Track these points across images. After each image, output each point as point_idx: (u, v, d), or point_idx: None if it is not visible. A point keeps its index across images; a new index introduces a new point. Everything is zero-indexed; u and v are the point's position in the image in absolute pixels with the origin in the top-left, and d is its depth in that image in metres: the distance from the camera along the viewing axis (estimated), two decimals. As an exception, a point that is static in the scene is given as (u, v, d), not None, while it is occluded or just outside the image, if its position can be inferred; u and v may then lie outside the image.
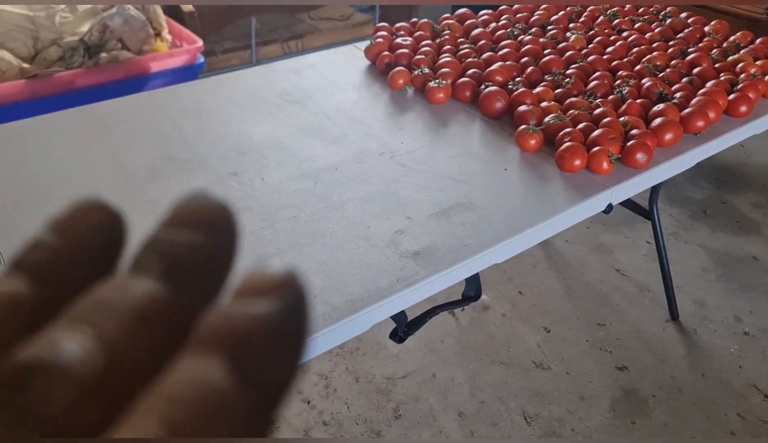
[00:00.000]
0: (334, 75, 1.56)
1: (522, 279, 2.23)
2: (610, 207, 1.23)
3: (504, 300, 2.14)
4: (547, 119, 1.33)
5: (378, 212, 1.10)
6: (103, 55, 2.17)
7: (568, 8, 1.94)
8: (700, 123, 1.37)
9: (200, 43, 2.39)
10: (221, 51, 3.22)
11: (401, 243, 1.03)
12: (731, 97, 1.48)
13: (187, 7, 2.64)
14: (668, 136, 1.32)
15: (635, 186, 1.26)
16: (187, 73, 2.40)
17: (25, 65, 2.09)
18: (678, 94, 1.46)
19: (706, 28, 1.85)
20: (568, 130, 1.28)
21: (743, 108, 1.47)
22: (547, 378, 1.87)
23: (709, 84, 1.51)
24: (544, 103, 1.40)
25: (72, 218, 0.17)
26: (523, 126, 1.30)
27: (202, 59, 2.41)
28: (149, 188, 1.13)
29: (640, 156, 1.24)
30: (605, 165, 1.22)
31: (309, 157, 1.25)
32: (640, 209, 1.99)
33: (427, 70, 1.49)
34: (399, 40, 1.64)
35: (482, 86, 1.45)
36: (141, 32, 2.28)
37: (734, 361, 1.94)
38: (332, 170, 1.21)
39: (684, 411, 1.79)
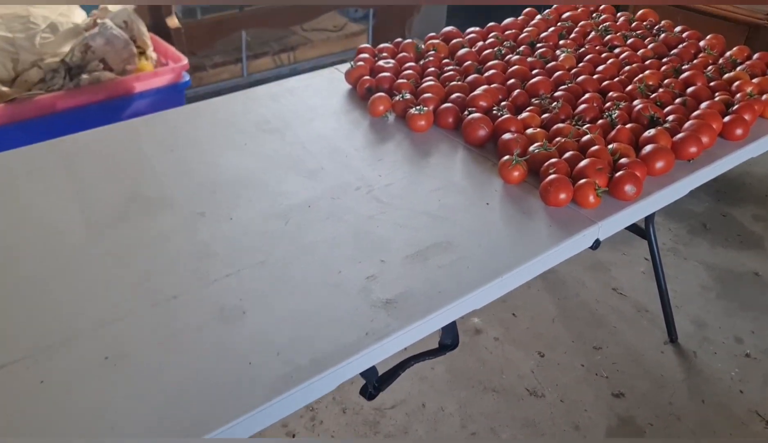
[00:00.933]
0: (314, 100, 1.51)
1: (516, 300, 2.17)
2: (597, 243, 1.17)
3: (497, 323, 2.08)
4: (531, 148, 1.27)
5: (351, 254, 1.05)
6: (85, 76, 2.13)
7: (559, 24, 1.88)
8: (693, 149, 1.31)
9: (185, 61, 2.34)
10: (211, 65, 3.18)
11: (373, 290, 0.98)
12: (726, 119, 1.42)
13: (174, 24, 2.60)
14: (659, 164, 1.26)
15: (624, 220, 1.20)
16: (172, 91, 2.35)
17: (4, 89, 2.05)
18: (670, 117, 1.40)
19: (702, 43, 1.78)
20: (553, 160, 1.22)
21: (739, 131, 1.41)
22: (540, 406, 1.81)
23: (703, 105, 1.45)
24: (529, 130, 1.35)
25: None
26: (507, 157, 1.24)
27: (187, 78, 2.36)
28: (111, 233, 1.08)
29: (628, 188, 1.19)
30: (592, 199, 1.17)
31: (282, 193, 1.19)
32: (636, 227, 1.93)
33: (408, 96, 1.44)
34: (381, 62, 1.58)
35: (465, 112, 1.40)
36: (124, 51, 2.24)
37: (735, 386, 1.88)
38: (305, 207, 1.16)
39: (683, 441, 1.72)
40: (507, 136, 1.31)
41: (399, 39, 1.72)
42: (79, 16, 2.31)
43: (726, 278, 2.30)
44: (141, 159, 1.27)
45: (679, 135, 1.33)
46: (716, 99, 1.48)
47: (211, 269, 1.01)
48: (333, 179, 1.24)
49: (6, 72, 2.11)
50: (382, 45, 1.68)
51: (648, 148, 1.28)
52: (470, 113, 1.39)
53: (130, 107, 2.27)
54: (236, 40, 3.20)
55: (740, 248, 2.44)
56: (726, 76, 1.60)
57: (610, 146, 1.29)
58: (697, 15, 3.10)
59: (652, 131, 1.33)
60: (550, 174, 1.19)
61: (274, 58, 3.36)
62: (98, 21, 2.26)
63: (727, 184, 2.81)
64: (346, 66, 1.60)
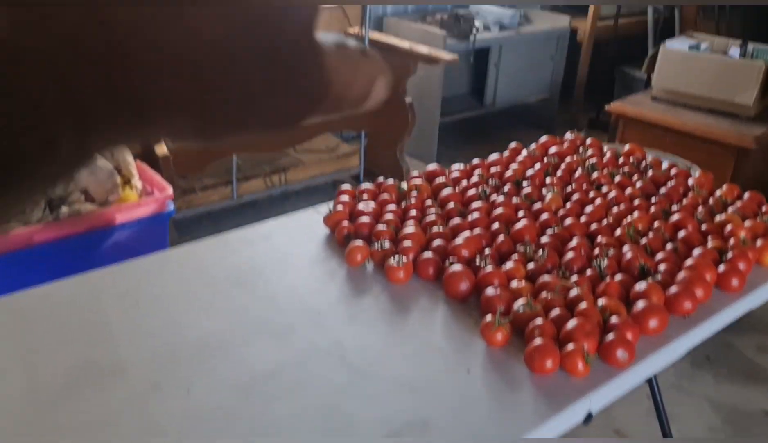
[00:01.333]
0: (290, 247, 1.45)
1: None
2: (589, 417, 1.07)
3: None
4: (516, 306, 1.20)
5: (315, 438, 0.95)
6: (64, 209, 2.09)
7: (545, 160, 1.86)
8: (688, 305, 1.24)
9: (170, 190, 2.32)
10: (201, 187, 3.17)
11: (337, 486, 0.87)
12: (721, 269, 1.35)
13: (162, 151, 2.60)
14: (653, 323, 1.18)
15: (617, 388, 1.11)
16: (156, 221, 2.31)
17: (-19, 223, 2.00)
18: (662, 267, 1.34)
19: (690, 182, 1.75)
20: (538, 322, 1.14)
21: (735, 282, 1.34)
22: None
23: (695, 253, 1.39)
24: (514, 283, 1.28)
25: None
26: (489, 318, 1.16)
27: (171, 207, 2.33)
28: (49, 411, 0.98)
29: (620, 354, 1.10)
30: (581, 366, 1.08)
31: (247, 359, 1.11)
32: (635, 370, 1.82)
33: (387, 245, 1.38)
34: (361, 205, 1.54)
35: (447, 263, 1.33)
36: (107, 182, 2.22)
37: None
38: (270, 377, 1.07)
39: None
40: (490, 291, 1.24)
41: (381, 178, 1.69)
42: (65, 147, 2.31)
43: (734, 418, 2.16)
44: (99, 318, 1.19)
45: (673, 289, 1.26)
46: (709, 246, 1.42)
47: (158, 458, 0.90)
48: (303, 341, 1.15)
49: (-15, 205, 2.07)
50: (363, 186, 1.64)
51: (640, 305, 1.21)
52: (451, 263, 1.32)
53: (111, 239, 2.23)
54: (227, 162, 3.21)
55: (747, 383, 2.32)
56: (717, 219, 1.55)
57: (599, 301, 1.21)
58: (686, 138, 3.12)
59: (643, 285, 1.26)
60: (536, 338, 1.11)
61: (266, 180, 3.36)
62: (84, 152, 2.25)
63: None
64: (325, 207, 1.56)
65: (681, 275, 1.30)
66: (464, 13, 3.99)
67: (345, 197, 1.58)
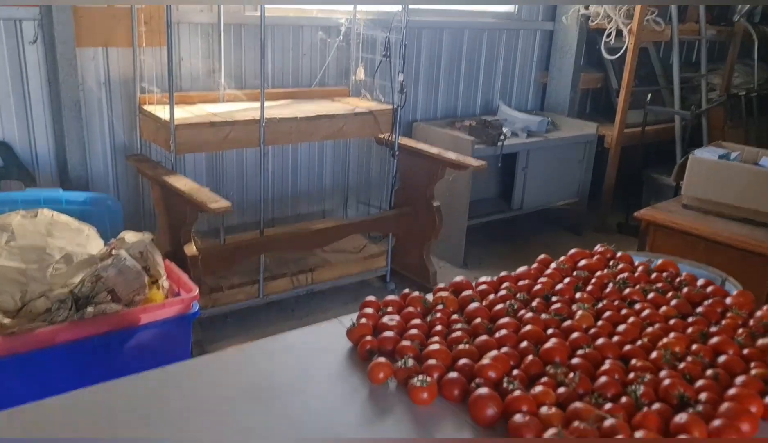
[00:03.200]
0: (310, 361, 1.41)
1: None
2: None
3: None
4: (547, 435, 1.13)
5: None
6: (90, 309, 2.09)
7: (575, 273, 1.82)
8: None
9: (196, 291, 2.32)
10: (228, 286, 3.17)
11: None
12: (767, 400, 1.27)
13: (191, 251, 2.62)
14: (695, 461, 1.10)
15: None
16: (180, 322, 2.30)
17: (6, 320, 2.01)
18: (702, 396, 1.26)
19: (728, 301, 1.69)
20: (570, 456, 1.07)
21: (783, 415, 1.25)
22: None
23: (738, 381, 1.31)
24: (543, 409, 1.21)
25: None
26: (517, 450, 1.09)
27: (196, 308, 2.32)
28: None
29: (660, 497, 1.02)
30: (618, 510, 0.99)
31: (260, 486, 1.05)
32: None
33: (411, 362, 1.33)
34: (386, 319, 1.51)
35: (473, 384, 1.28)
36: (135, 282, 2.22)
37: None
38: (283, 508, 1.00)
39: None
40: (518, 418, 1.17)
41: (407, 290, 1.66)
42: (95, 246, 2.35)
43: None
44: (109, 431, 1.15)
45: (716, 423, 1.17)
46: (753, 373, 1.34)
47: None
48: (320, 468, 1.09)
49: (13, 302, 2.09)
50: (388, 298, 1.61)
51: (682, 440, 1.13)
52: (478, 385, 1.27)
53: (134, 339, 2.21)
54: (255, 261, 3.22)
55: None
56: (759, 342, 1.48)
57: (636, 434, 1.14)
58: (718, 247, 3.05)
59: (683, 417, 1.18)
60: (568, 475, 1.03)
61: (292, 279, 3.35)
62: (113, 252, 2.28)
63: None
64: (349, 320, 1.52)
65: (724, 406, 1.22)
66: (492, 120, 4.07)
67: (369, 310, 1.55)
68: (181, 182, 2.60)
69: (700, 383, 1.31)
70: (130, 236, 2.40)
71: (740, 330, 1.53)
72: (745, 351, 1.44)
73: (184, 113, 2.92)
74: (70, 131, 2.95)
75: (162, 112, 2.84)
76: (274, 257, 3.36)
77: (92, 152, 3.06)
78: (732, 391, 1.27)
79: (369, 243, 3.78)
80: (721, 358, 1.40)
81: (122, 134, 3.13)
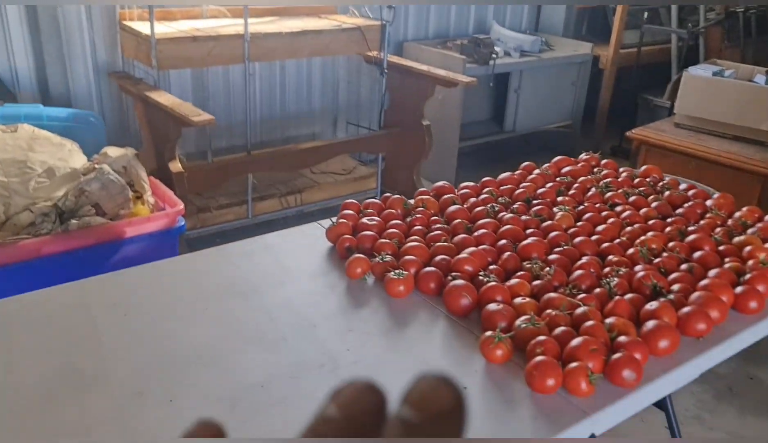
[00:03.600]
0: (290, 260, 1.42)
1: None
2: (591, 438, 1.01)
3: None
4: (517, 322, 1.14)
5: (299, 452, 0.90)
6: (74, 221, 2.09)
7: (558, 179, 1.81)
8: (702, 326, 1.17)
9: (181, 206, 2.31)
10: (216, 206, 3.16)
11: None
12: (738, 290, 1.28)
13: (176, 168, 2.60)
14: (663, 344, 1.12)
15: (622, 411, 1.04)
16: (166, 236, 2.30)
17: (-9, 233, 2.01)
18: (675, 287, 1.27)
19: (709, 203, 1.69)
20: (541, 339, 1.09)
21: (753, 304, 1.27)
22: None
23: (711, 273, 1.33)
24: (518, 300, 1.22)
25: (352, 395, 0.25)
26: (489, 334, 1.11)
27: (182, 222, 2.32)
28: (33, 416, 0.95)
29: (627, 374, 1.04)
30: (584, 386, 1.02)
31: (235, 369, 1.07)
32: (651, 399, 1.73)
33: (388, 258, 1.34)
34: (365, 219, 1.51)
35: (449, 277, 1.29)
36: (119, 197, 2.22)
37: None
38: (258, 388, 1.02)
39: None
40: (492, 307, 1.19)
41: (388, 194, 1.66)
42: (78, 160, 2.32)
43: (758, 454, 2.05)
44: (87, 326, 1.16)
45: (686, 309, 1.19)
46: (726, 267, 1.36)
47: (132, 468, 0.86)
48: (295, 353, 1.11)
49: (-4, 216, 2.08)
50: (368, 200, 1.60)
51: (650, 325, 1.14)
52: (454, 278, 1.28)
53: (119, 252, 2.22)
54: (243, 182, 3.20)
55: (772, 418, 2.20)
56: (736, 240, 1.48)
57: (607, 321, 1.15)
58: (709, 164, 3.04)
59: (654, 304, 1.20)
60: (537, 355, 1.05)
61: (281, 200, 3.35)
62: (96, 166, 2.26)
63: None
64: (329, 222, 1.52)
65: (695, 295, 1.24)
66: (484, 39, 3.97)
67: (349, 211, 1.55)
68: (164, 98, 2.55)
69: (674, 276, 1.32)
70: (113, 151, 2.37)
71: (718, 229, 1.54)
72: (722, 248, 1.45)
73: (165, 29, 2.84)
74: (49, 48, 2.88)
75: (143, 27, 2.76)
76: (262, 179, 3.35)
77: (73, 70, 2.99)
78: (704, 282, 1.28)
79: (359, 165, 3.75)
80: (697, 254, 1.41)
81: (104, 52, 3.05)
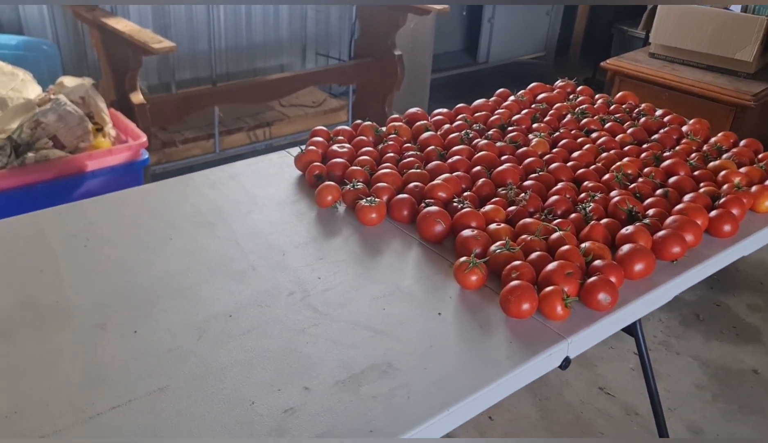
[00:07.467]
0: (257, 188, 1.37)
1: (493, 401, 1.97)
2: (566, 362, 1.00)
3: (471, 427, 1.88)
4: (492, 248, 1.12)
5: (270, 380, 0.88)
6: (30, 154, 2.00)
7: (533, 106, 1.77)
8: (676, 249, 1.16)
9: (144, 138, 2.22)
10: (182, 141, 3.07)
11: (289, 429, 0.80)
12: (713, 214, 1.28)
13: (138, 99, 2.49)
14: (638, 267, 1.11)
15: (598, 333, 1.04)
16: (129, 170, 2.22)
17: (-58, 167, 1.91)
18: (650, 212, 1.26)
19: (684, 128, 1.67)
20: (516, 263, 1.07)
21: (727, 227, 1.26)
22: None
23: (686, 198, 1.31)
24: (492, 226, 1.20)
25: None
26: (463, 259, 1.08)
27: (146, 156, 2.23)
28: (-14, 351, 0.91)
29: (602, 297, 1.03)
30: (560, 310, 1.00)
31: (202, 299, 1.03)
32: (621, 325, 1.75)
33: (360, 185, 1.30)
34: (335, 147, 1.45)
35: (423, 204, 1.25)
36: (78, 128, 2.12)
37: (737, 507, 1.67)
38: (226, 317, 0.99)
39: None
40: (466, 233, 1.16)
41: (359, 121, 1.60)
42: (32, 91, 2.21)
43: (723, 376, 2.11)
44: (45, 258, 1.11)
45: (661, 233, 1.18)
46: (701, 191, 1.34)
47: (96, 400, 0.83)
48: (264, 282, 1.08)
49: (-53, 149, 1.98)
50: (338, 127, 1.55)
51: (625, 248, 1.13)
52: (427, 205, 1.24)
53: (81, 187, 2.13)
54: (209, 115, 3.10)
55: (737, 342, 2.26)
56: (711, 164, 1.47)
57: (582, 245, 1.14)
58: (682, 95, 3.02)
59: (630, 228, 1.18)
60: (512, 280, 1.03)
61: (249, 134, 3.26)
62: (52, 96, 2.15)
63: (720, 270, 2.66)
64: (297, 150, 1.47)
65: (670, 219, 1.22)
66: (458, -35, 3.84)
67: (318, 138, 1.49)
68: (121, 24, 2.42)
69: (650, 200, 1.30)
70: (69, 81, 2.25)
71: (693, 154, 1.52)
72: (697, 173, 1.44)
73: (120, -50, 2.67)
74: (-5, -30, 2.69)
75: (96, -53, 2.59)
76: (229, 112, 3.24)
77: (24, -5, 2.81)
78: (679, 206, 1.27)
79: (329, 97, 3.66)
80: (673, 179, 1.40)
81: (56, -24, 2.87)
